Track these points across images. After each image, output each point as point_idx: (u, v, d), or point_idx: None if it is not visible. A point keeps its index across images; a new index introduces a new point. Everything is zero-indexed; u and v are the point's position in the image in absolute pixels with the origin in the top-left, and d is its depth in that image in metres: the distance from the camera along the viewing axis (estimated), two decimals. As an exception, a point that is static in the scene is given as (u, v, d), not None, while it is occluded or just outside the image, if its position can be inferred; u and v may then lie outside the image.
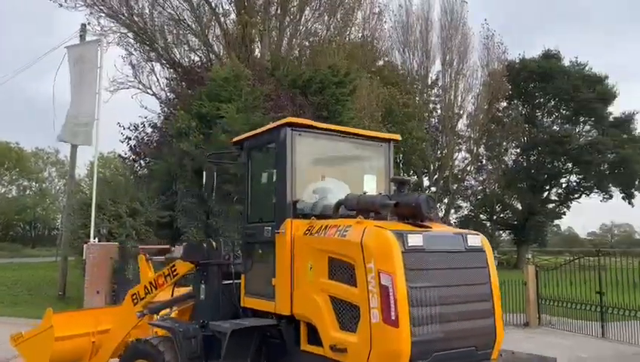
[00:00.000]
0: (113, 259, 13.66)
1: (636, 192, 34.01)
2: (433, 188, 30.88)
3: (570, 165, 34.94)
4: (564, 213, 38.41)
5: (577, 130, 34.77)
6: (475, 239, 4.61)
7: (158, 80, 23.53)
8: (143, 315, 6.24)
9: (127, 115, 39.32)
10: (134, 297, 6.46)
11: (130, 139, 19.39)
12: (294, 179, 4.95)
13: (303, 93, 19.19)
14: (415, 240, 4.16)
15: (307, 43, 24.23)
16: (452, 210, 36.03)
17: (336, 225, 4.51)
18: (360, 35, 26.19)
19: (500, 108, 33.35)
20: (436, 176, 32.27)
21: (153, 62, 23.38)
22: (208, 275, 5.72)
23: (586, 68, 34.62)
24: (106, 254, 13.69)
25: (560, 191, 37.12)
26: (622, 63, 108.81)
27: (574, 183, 36.06)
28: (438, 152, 32.03)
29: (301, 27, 23.57)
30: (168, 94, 22.13)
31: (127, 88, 23.19)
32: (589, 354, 9.63)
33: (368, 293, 4.02)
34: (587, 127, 35.33)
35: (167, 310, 6.22)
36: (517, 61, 34.66)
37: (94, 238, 14.34)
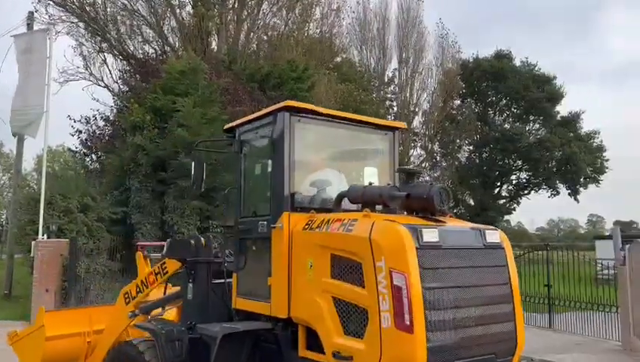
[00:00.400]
0: (63, 256, 13.22)
1: (581, 189, 35.44)
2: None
3: (520, 162, 36.06)
4: (514, 209, 39.62)
5: (527, 129, 35.89)
6: (494, 235, 4.21)
7: (110, 72, 22.91)
8: (135, 315, 5.95)
9: (77, 107, 38.00)
10: (126, 296, 6.16)
11: (81, 132, 18.87)
12: (292, 169, 4.55)
13: (261, 87, 19.07)
14: (431, 235, 3.73)
15: (265, 37, 24.07)
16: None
17: (340, 219, 4.10)
18: (318, 30, 26.23)
19: (454, 107, 34.07)
20: (392, 173, 32.51)
21: (105, 54, 22.74)
22: (196, 273, 5.35)
23: (536, 68, 35.79)
24: (55, 251, 13.22)
25: (510, 187, 38.29)
26: (569, 64, 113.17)
27: (524, 180, 37.24)
28: (395, 149, 32.28)
29: (259, 21, 23.41)
30: (121, 87, 21.56)
31: (78, 80, 22.52)
32: (538, 344, 9.97)
33: (378, 295, 3.60)
34: (536, 126, 36.52)
35: (160, 309, 5.93)
36: (470, 60, 35.47)
37: (43, 235, 13.83)
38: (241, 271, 4.88)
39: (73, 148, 19.78)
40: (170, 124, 15.07)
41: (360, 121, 5.15)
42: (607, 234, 30.14)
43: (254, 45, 23.71)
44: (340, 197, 4.58)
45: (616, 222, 53.97)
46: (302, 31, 24.49)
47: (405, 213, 4.22)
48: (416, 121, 32.36)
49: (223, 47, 21.78)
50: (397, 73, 32.00)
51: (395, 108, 32.94)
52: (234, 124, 5.25)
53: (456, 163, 36.69)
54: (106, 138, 18.34)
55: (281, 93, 18.56)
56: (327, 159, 5.25)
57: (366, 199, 4.35)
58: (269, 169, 4.75)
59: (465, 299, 3.79)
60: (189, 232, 14.35)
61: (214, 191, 14.39)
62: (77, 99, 48.93)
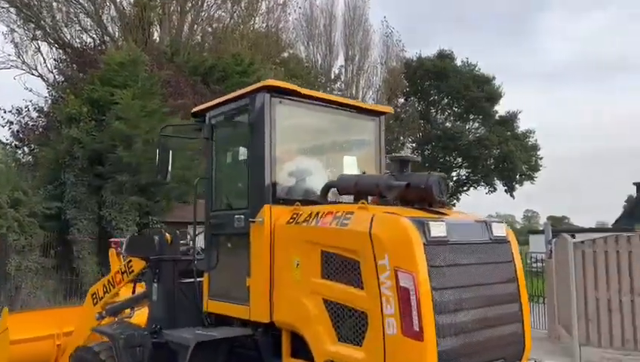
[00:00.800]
0: (-9, 253, 12.57)
1: (517, 185, 36.98)
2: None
3: (460, 160, 37.21)
4: (454, 205, 40.89)
5: (467, 127, 37.04)
6: (500, 228, 3.84)
7: (45, 61, 21.98)
8: (102, 317, 5.59)
9: (8, 97, 36.07)
10: (94, 296, 5.80)
11: (12, 123, 18.00)
12: (274, 156, 4.11)
13: (204, 81, 18.78)
14: (438, 229, 3.34)
15: (210, 29, 23.68)
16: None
17: (332, 212, 3.66)
18: (264, 25, 26.07)
19: (398, 105, 34.73)
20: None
21: (39, 42, 21.70)
22: (161, 273, 4.91)
23: (476, 68, 36.99)
24: (-18, 248, 12.55)
25: (451, 184, 39.48)
26: (508, 65, 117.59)
27: (464, 177, 38.48)
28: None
29: (203, 13, 23.01)
30: (57, 77, 20.63)
31: (9, 68, 21.45)
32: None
33: (381, 297, 3.19)
34: (476, 125, 37.75)
35: (129, 310, 5.58)
36: (414, 59, 36.25)
37: (-31, 231, 13.09)
38: (214, 271, 4.44)
39: (4, 140, 18.79)
40: (108, 116, 14.58)
41: (345, 105, 4.71)
42: (541, 228, 31.63)
43: (198, 37, 23.28)
44: (328, 187, 4.17)
45: (549, 218, 56.79)
46: (247, 25, 24.27)
47: (399, 204, 3.78)
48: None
49: (166, 39, 21.28)
50: (343, 70, 32.29)
51: (341, 105, 33.13)
52: (203, 107, 4.76)
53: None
54: (40, 130, 17.55)
55: (226, 87, 18.33)
56: (308, 146, 4.79)
57: (359, 189, 3.94)
58: (246, 157, 4.34)
59: (474, 300, 3.44)
60: (128, 229, 13.97)
61: (154, 185, 14.06)
62: (8, 89, 46.48)
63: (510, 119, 36.60)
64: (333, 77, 32.82)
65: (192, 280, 4.70)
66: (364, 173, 4.37)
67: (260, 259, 3.95)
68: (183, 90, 16.95)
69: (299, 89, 4.30)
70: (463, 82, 35.20)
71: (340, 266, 3.52)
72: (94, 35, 21.88)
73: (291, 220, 3.88)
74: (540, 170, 36.88)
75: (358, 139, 5.03)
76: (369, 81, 31.73)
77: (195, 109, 4.93)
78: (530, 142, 36.45)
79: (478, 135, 36.12)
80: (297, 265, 3.74)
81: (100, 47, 20.33)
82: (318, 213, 3.76)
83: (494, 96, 36.29)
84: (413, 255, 3.17)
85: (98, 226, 14.68)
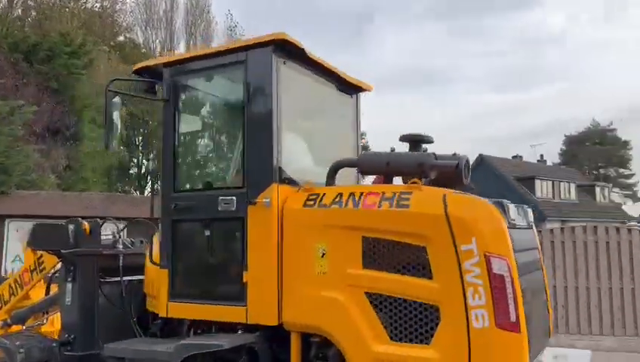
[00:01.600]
0: None
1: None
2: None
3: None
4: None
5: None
6: (531, 213, 3.67)
7: None
8: (9, 325, 4.64)
9: None
10: None
11: None
12: (279, 127, 3.47)
13: (27, 59, 16.99)
14: (514, 211, 3.14)
15: (32, 3, 21.35)
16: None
17: (377, 192, 3.21)
18: (98, 4, 24.26)
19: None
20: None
21: None
22: (78, 270, 4.08)
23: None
24: None
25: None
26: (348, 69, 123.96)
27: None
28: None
29: (25, -17, 20.68)
30: None
31: None
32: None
33: (464, 287, 2.85)
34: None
35: (42, 316, 4.64)
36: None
37: None
38: (178, 265, 3.70)
39: None
40: None
41: (339, 76, 4.19)
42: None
43: (19, 11, 20.85)
44: (338, 166, 3.68)
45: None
46: (79, 2, 22.38)
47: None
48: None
49: (-22, 8, 18.71)
50: (184, 59, 31.42)
51: (182, 96, 32.30)
52: (158, 61, 3.98)
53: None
54: None
55: (53, 68, 16.79)
56: (301, 119, 4.15)
57: (394, 169, 3.48)
58: (240, 125, 3.65)
59: (535, 284, 3.35)
60: None
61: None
62: None
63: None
64: (173, 66, 31.79)
65: (117, 279, 4.05)
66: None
67: (262, 250, 3.35)
68: (2, 68, 15.12)
69: (306, 49, 3.65)
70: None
71: (393, 254, 3.10)
72: None
73: (310, 202, 3.33)
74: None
75: (341, 116, 4.53)
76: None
77: (141, 64, 4.06)
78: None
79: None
80: (323, 254, 3.23)
81: None
82: (352, 194, 3.25)
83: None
84: (505, 238, 2.92)
85: None
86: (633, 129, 76.00)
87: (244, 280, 3.39)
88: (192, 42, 30.62)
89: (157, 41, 30.52)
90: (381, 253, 3.13)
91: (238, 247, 3.47)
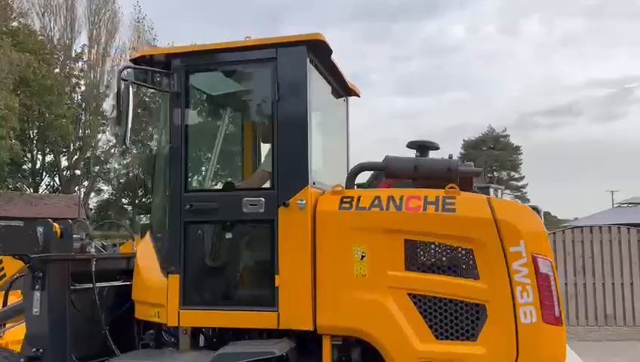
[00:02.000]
0: None
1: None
2: (78, 172, 29.04)
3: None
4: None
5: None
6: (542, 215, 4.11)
7: None
8: None
9: None
10: None
11: None
12: (311, 126, 3.44)
13: None
14: (541, 215, 3.39)
15: None
16: (92, 193, 34.68)
17: (419, 196, 3.29)
18: (-11, -14, 22.38)
19: (148, 94, 33.67)
20: (77, 157, 30.41)
21: None
22: (47, 277, 3.68)
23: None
24: None
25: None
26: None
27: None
28: (81, 131, 30.23)
29: None
30: None
31: None
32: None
33: (512, 286, 3.07)
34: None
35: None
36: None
37: None
38: (194, 271, 3.49)
39: None
40: None
41: (342, 80, 4.22)
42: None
43: None
44: (360, 169, 3.71)
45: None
46: (-35, -19, 20.53)
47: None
48: (107, 104, 30.82)
49: None
50: (86, 50, 29.84)
51: (83, 87, 30.71)
52: (165, 51, 3.76)
53: (148, 151, 36.37)
54: None
55: None
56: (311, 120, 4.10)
57: (422, 173, 3.59)
58: (271, 123, 3.53)
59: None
60: None
61: None
62: None
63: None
64: (74, 55, 30.06)
65: (89, 285, 3.74)
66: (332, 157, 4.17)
67: (295, 252, 3.30)
68: None
69: (332, 53, 3.66)
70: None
71: (437, 256, 3.26)
72: None
73: (346, 205, 3.35)
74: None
75: (336, 118, 4.56)
76: (118, 65, 30.05)
77: (141, 53, 3.76)
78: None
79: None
80: (362, 257, 3.25)
81: None
82: (391, 197, 3.31)
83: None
84: (547, 240, 3.25)
85: None
86: (523, 135, 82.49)
87: (276, 284, 3.31)
88: (95, 32, 29.17)
89: (55, 29, 28.81)
90: (424, 255, 3.27)
91: (267, 250, 3.39)
